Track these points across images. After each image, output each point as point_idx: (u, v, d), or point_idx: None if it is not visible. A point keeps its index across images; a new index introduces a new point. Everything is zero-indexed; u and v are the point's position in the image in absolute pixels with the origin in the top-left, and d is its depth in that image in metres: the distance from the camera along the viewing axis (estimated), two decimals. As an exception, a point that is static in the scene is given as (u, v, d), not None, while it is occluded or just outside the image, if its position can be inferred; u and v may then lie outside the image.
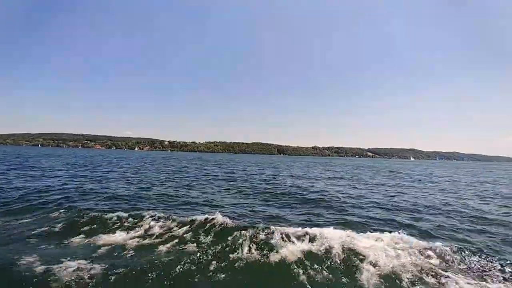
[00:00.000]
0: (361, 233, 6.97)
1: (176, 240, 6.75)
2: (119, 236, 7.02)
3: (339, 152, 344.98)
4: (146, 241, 6.74)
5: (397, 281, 5.08)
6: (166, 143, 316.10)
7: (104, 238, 6.86)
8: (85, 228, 7.56)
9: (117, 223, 7.93)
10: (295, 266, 5.45)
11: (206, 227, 7.46)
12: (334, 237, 6.49)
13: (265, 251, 6.05)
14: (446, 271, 5.38)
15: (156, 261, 5.47)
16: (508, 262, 5.83)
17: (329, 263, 5.64)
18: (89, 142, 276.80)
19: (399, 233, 6.90)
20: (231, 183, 19.22)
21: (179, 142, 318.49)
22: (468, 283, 4.98)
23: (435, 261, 5.77)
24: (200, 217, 7.97)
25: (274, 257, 5.77)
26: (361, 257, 5.80)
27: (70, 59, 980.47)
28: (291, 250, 6.03)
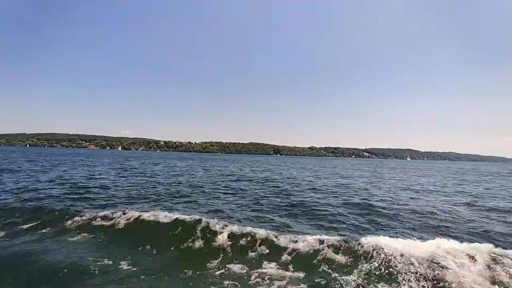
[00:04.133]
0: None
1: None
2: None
3: (335, 152, 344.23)
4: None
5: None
6: (161, 143, 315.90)
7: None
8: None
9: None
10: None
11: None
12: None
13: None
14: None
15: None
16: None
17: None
18: (83, 142, 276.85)
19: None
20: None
21: (175, 142, 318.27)
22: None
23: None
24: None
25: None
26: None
27: (70, 60, 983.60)
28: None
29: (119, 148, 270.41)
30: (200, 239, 6.75)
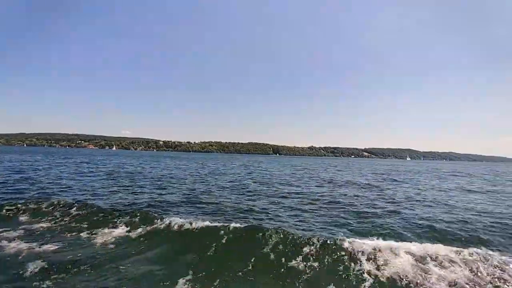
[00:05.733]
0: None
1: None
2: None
3: (335, 152, 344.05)
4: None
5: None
6: (160, 143, 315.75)
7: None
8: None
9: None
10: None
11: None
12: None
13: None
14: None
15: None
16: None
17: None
18: (82, 142, 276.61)
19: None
20: None
21: (174, 142, 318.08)
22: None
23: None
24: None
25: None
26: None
27: (71, 60, 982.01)
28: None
29: (114, 148, 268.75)
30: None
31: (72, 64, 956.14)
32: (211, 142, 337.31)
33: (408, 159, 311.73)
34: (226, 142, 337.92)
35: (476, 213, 10.41)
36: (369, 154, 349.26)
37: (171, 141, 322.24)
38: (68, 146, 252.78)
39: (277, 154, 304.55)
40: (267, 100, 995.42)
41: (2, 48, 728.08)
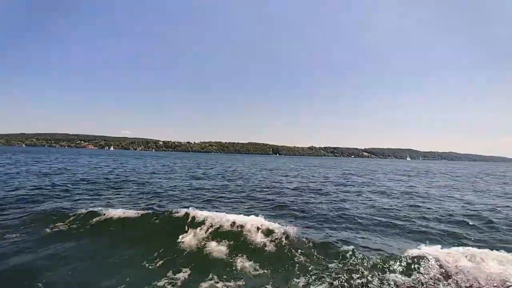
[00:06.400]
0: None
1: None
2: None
3: (335, 152, 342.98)
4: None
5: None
6: (160, 143, 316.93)
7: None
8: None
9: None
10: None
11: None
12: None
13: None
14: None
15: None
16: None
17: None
18: (82, 142, 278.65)
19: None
20: None
21: (174, 142, 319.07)
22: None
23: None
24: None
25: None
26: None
27: (72, 60, 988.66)
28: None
29: (112, 148, 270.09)
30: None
31: (72, 64, 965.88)
32: (211, 142, 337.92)
33: (408, 159, 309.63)
34: (226, 142, 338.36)
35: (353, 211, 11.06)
36: (369, 154, 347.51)
37: (170, 141, 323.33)
38: (68, 146, 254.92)
39: (277, 154, 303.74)
40: (267, 100, 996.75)
41: (2, 48, 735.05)
